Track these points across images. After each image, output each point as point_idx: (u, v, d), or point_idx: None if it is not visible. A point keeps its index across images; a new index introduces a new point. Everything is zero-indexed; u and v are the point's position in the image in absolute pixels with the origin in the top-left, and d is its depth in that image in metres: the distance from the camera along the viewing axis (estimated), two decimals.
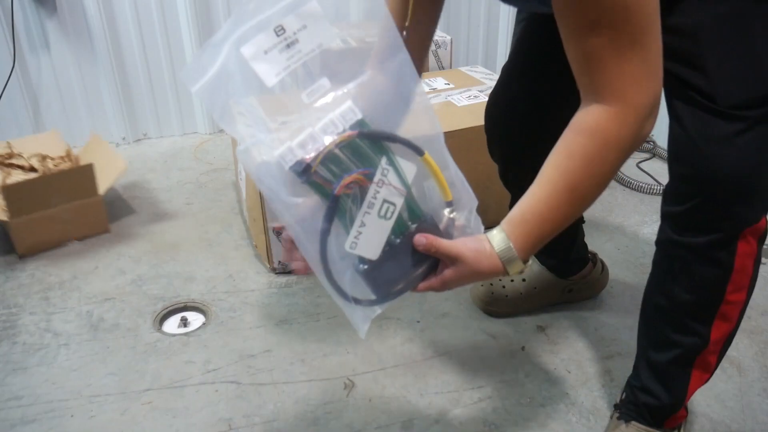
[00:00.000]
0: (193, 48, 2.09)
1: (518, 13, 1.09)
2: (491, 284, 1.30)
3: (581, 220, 1.27)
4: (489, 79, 1.80)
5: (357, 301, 0.72)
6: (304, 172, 0.64)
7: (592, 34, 0.65)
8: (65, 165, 1.71)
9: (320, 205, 0.67)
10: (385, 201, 0.68)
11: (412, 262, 0.73)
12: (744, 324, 1.27)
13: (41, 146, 1.75)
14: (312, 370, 1.17)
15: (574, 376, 1.16)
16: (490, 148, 1.20)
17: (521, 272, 0.75)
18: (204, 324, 1.30)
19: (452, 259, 0.73)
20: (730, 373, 1.16)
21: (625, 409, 1.01)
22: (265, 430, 1.04)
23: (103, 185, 1.59)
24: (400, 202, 0.69)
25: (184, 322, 1.30)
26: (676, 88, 0.80)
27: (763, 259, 1.49)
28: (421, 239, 0.72)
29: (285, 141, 0.64)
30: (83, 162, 1.69)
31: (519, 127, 1.11)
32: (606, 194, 1.82)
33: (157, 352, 1.21)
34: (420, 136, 0.70)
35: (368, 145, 0.66)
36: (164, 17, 2.05)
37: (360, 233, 0.68)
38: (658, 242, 0.90)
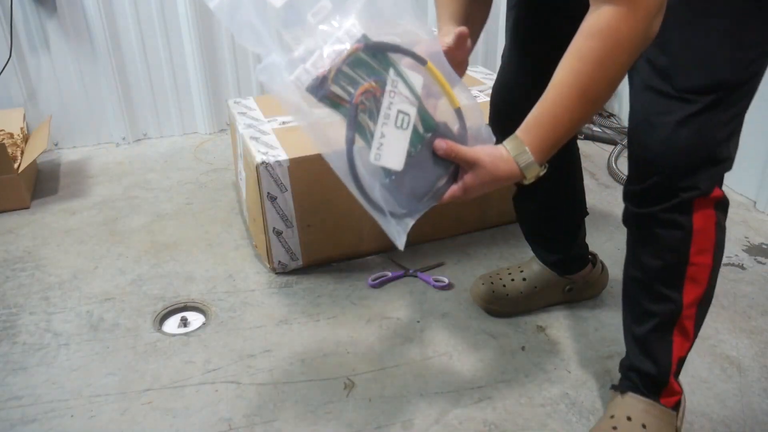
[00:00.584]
0: (193, 48, 2.09)
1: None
2: (492, 283, 1.30)
3: (584, 214, 1.27)
4: (489, 79, 1.80)
5: (391, 215, 0.75)
6: (321, 86, 0.68)
7: None
8: (8, 141, 1.80)
9: (342, 121, 0.70)
10: (399, 111, 0.72)
11: (434, 172, 0.77)
12: (744, 324, 1.28)
13: (3, 121, 1.86)
14: (312, 370, 1.17)
15: (574, 376, 1.16)
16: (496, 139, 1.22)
17: (539, 177, 0.78)
18: (204, 324, 1.30)
19: (471, 164, 0.77)
20: (730, 373, 1.16)
21: (620, 386, 1.03)
22: (265, 430, 1.04)
23: (25, 164, 1.72)
24: (413, 111, 0.73)
25: (184, 322, 1.30)
26: (635, 68, 0.84)
27: (763, 259, 1.49)
28: (441, 144, 0.76)
29: (299, 63, 0.68)
30: (30, 141, 1.83)
31: (522, 116, 1.11)
32: (606, 194, 1.82)
33: (157, 352, 1.21)
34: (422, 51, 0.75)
35: (374, 58, 0.70)
36: (164, 17, 2.05)
37: (381, 144, 0.72)
38: (624, 221, 0.96)
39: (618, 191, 1.84)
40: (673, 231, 0.89)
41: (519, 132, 0.78)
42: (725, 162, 0.87)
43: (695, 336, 0.97)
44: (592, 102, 0.76)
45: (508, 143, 0.78)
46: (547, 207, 1.22)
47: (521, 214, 1.27)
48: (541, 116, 0.77)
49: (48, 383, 1.14)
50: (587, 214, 1.28)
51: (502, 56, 1.17)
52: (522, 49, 1.11)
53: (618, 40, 0.71)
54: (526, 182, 0.79)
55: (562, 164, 1.17)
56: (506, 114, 1.14)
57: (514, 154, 0.77)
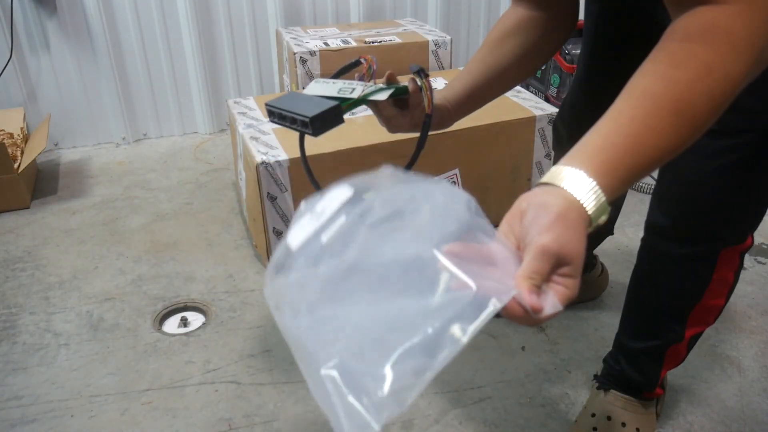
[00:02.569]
0: (193, 48, 2.09)
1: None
2: None
3: (609, 233, 1.24)
4: None
5: None
6: None
7: None
8: (8, 140, 1.79)
9: None
10: None
11: None
12: (744, 324, 1.28)
13: (3, 121, 1.86)
14: None
15: (574, 376, 1.16)
16: (555, 149, 1.21)
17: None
18: (204, 324, 1.30)
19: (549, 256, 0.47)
20: (730, 373, 1.16)
21: (603, 382, 1.04)
22: (265, 430, 1.04)
23: (24, 164, 1.71)
24: None
25: (184, 322, 1.30)
26: None
27: (763, 259, 1.49)
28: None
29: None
30: (30, 141, 1.82)
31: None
32: None
33: (157, 352, 1.21)
34: None
35: None
36: (164, 17, 2.05)
37: None
38: (641, 249, 0.92)
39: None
40: (691, 280, 0.85)
41: (576, 160, 0.50)
42: (765, 211, 0.82)
43: (687, 356, 0.97)
44: (689, 123, 0.51)
45: (567, 179, 0.49)
46: None
47: None
48: (614, 134, 0.51)
49: (48, 383, 1.14)
50: (612, 233, 1.25)
51: (575, 75, 1.09)
52: (600, 62, 1.01)
53: (732, 42, 0.50)
54: (591, 229, 0.50)
55: None
56: (569, 138, 1.10)
57: (579, 196, 0.48)
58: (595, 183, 0.49)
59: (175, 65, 2.13)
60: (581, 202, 0.48)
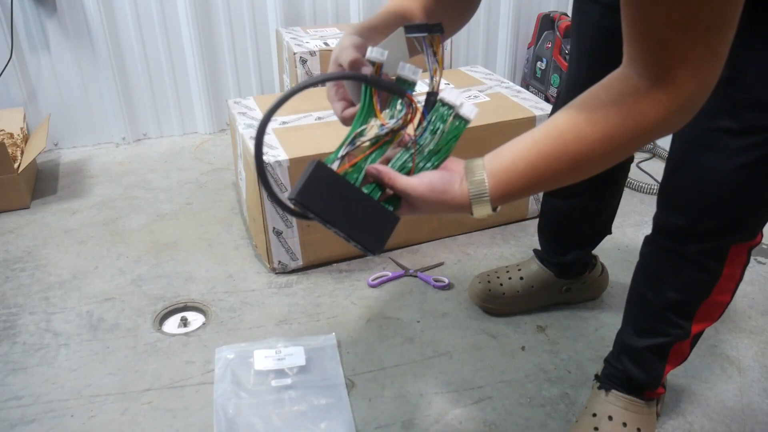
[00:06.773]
0: (193, 48, 2.09)
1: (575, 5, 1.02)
2: (489, 282, 1.30)
3: (607, 232, 1.25)
4: (489, 79, 1.80)
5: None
6: None
7: (661, 7, 0.54)
8: (8, 140, 1.79)
9: None
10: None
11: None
12: (744, 324, 1.28)
13: (3, 121, 1.87)
14: None
15: (574, 376, 1.16)
16: None
17: (484, 218, 0.68)
18: (204, 324, 1.30)
19: (410, 200, 0.66)
20: (730, 373, 1.16)
21: (605, 383, 1.04)
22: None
23: (24, 164, 1.71)
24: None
25: (184, 322, 1.30)
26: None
27: (763, 259, 1.49)
28: (371, 170, 0.66)
29: None
30: (30, 141, 1.82)
31: None
32: None
33: (157, 352, 1.21)
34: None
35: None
36: (164, 17, 2.05)
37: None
38: (648, 242, 0.92)
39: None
40: (701, 274, 0.86)
41: (487, 164, 0.65)
42: None
43: (690, 353, 0.97)
44: (580, 172, 0.64)
45: (470, 171, 0.66)
46: (580, 212, 1.18)
47: (548, 207, 1.24)
48: (521, 161, 0.64)
49: (48, 383, 1.14)
50: (610, 233, 1.26)
51: (567, 73, 1.10)
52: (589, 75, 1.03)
53: (638, 123, 0.58)
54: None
55: (613, 177, 1.14)
56: None
57: (471, 191, 0.65)
58: (487, 191, 0.65)
59: (175, 65, 2.13)
60: (469, 194, 0.65)
